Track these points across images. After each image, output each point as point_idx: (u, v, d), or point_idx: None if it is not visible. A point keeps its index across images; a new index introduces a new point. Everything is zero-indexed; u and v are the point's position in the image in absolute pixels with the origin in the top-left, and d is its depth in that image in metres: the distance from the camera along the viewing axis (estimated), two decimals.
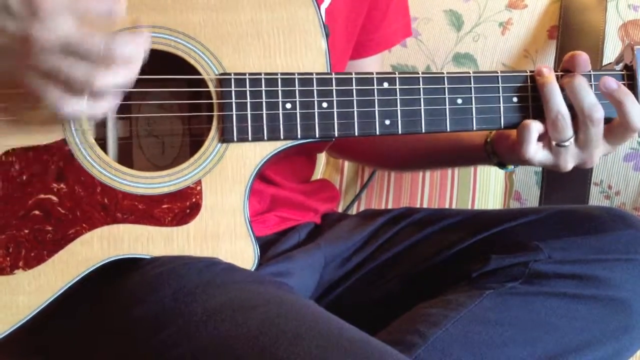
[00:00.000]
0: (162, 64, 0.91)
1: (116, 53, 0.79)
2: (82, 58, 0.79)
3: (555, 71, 0.97)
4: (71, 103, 0.81)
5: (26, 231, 0.88)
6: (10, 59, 0.81)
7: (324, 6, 1.09)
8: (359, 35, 1.21)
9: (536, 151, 0.96)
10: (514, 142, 0.99)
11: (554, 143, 0.95)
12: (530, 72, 0.97)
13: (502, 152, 1.05)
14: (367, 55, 1.25)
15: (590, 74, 0.97)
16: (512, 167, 1.09)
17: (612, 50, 1.46)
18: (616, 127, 0.96)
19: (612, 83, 0.94)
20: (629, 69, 0.98)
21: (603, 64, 1.42)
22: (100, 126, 0.96)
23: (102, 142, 0.95)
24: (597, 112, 0.94)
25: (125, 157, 0.99)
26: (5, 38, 0.79)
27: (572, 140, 0.95)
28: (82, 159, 0.89)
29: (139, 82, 0.91)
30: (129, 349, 0.84)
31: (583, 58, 0.96)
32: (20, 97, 0.86)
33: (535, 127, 0.95)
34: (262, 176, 1.05)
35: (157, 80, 0.92)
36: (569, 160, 0.97)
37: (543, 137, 0.96)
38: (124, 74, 0.81)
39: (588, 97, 0.94)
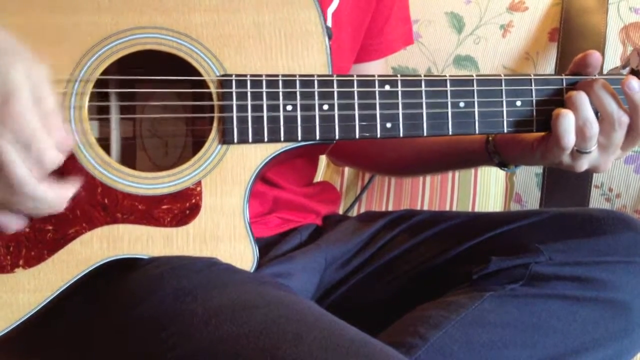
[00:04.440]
0: (165, 66, 0.91)
1: (26, 193, 0.80)
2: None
3: (558, 74, 0.97)
4: None
5: (27, 230, 0.88)
6: None
7: (330, 9, 1.09)
8: (362, 39, 1.21)
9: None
10: (528, 143, 1.00)
11: (575, 149, 0.95)
12: (534, 75, 0.97)
13: (513, 154, 1.05)
14: (368, 60, 1.25)
15: (596, 78, 0.96)
16: (514, 167, 1.09)
17: (613, 52, 1.46)
18: (630, 131, 0.96)
19: (635, 84, 0.94)
20: (636, 74, 0.97)
21: (604, 66, 1.42)
22: (104, 126, 0.96)
23: (105, 143, 0.95)
24: (624, 115, 0.94)
25: (128, 158, 0.99)
26: None
27: (595, 147, 0.95)
28: (83, 158, 0.89)
29: (142, 83, 0.92)
30: (129, 350, 0.84)
31: (596, 57, 0.96)
32: None
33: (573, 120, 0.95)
34: (264, 178, 1.05)
35: (160, 81, 0.92)
36: (585, 164, 0.98)
37: None
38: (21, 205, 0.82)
39: (615, 100, 0.94)
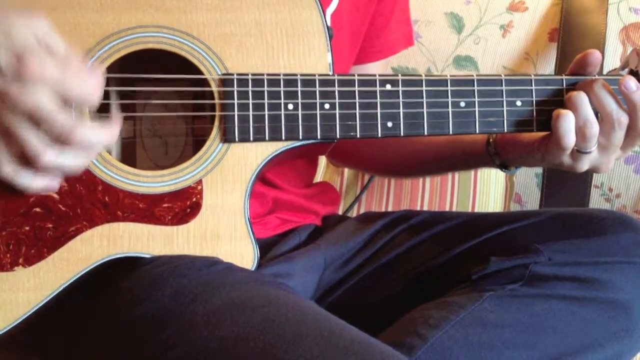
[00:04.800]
0: (166, 64, 0.91)
1: (76, 138, 0.80)
2: (42, 131, 0.79)
3: (558, 74, 0.97)
4: (12, 169, 0.82)
5: (27, 228, 0.88)
6: None
7: (329, 10, 1.09)
8: (362, 40, 1.21)
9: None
10: (528, 144, 1.00)
11: (575, 149, 0.96)
12: (535, 75, 0.97)
13: (513, 155, 1.05)
14: (368, 61, 1.25)
15: (596, 79, 0.97)
16: (515, 169, 1.09)
17: (613, 53, 1.47)
18: (629, 131, 0.96)
19: (632, 84, 0.94)
20: (635, 74, 0.97)
21: (604, 66, 1.42)
22: None
23: None
24: (624, 115, 0.94)
25: (129, 157, 0.99)
26: None
27: (595, 147, 0.96)
28: None
29: (143, 82, 0.92)
30: (129, 349, 0.84)
31: (596, 56, 0.96)
32: None
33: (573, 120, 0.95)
34: (263, 179, 1.05)
35: (161, 80, 0.92)
36: (585, 164, 0.98)
37: None
38: (74, 159, 0.83)
39: (615, 100, 0.94)
